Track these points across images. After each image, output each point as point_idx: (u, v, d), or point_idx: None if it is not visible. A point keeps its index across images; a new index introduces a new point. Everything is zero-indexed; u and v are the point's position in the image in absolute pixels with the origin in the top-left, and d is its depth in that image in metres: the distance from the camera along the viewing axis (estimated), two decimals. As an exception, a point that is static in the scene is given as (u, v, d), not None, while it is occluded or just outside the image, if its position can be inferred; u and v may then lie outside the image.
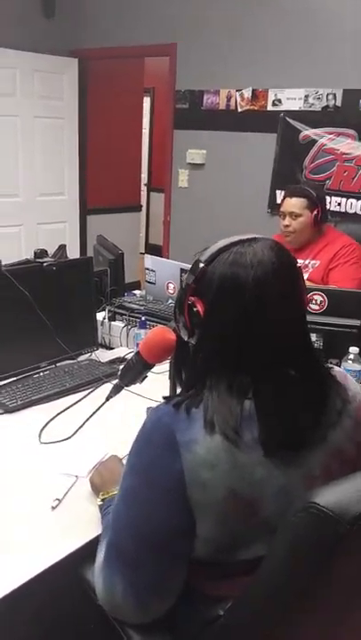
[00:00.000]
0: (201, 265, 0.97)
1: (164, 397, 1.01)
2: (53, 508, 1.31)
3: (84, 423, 1.54)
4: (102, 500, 1.24)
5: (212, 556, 0.96)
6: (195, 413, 0.93)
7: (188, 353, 1.02)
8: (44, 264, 1.93)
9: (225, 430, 0.90)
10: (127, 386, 1.39)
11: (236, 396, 0.93)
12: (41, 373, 1.97)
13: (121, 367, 2.00)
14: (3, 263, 1.87)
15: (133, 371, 1.34)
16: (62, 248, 2.40)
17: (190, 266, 1.00)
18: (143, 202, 7.01)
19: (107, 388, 1.85)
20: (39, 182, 4.82)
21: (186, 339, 1.01)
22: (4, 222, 4.64)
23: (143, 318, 2.25)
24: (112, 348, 2.37)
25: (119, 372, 1.41)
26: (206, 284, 0.96)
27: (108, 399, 1.43)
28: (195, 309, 0.97)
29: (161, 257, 3.08)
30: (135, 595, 0.97)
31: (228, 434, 0.90)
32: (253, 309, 0.93)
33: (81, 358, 2.13)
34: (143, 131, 6.23)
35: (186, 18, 4.28)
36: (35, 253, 1.99)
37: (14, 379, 1.91)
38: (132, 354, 1.37)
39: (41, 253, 1.99)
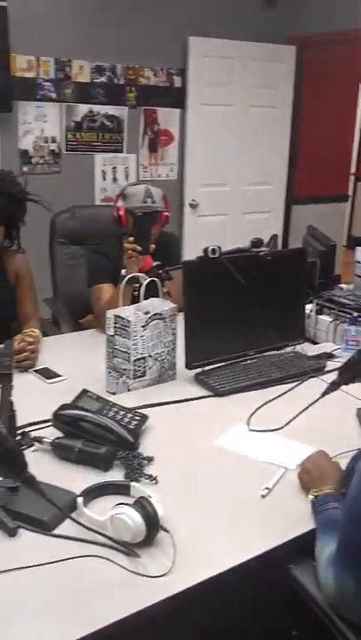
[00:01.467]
0: None
1: None
2: (263, 496, 1.33)
3: (296, 416, 1.53)
4: (315, 497, 1.23)
5: None
6: None
7: None
8: (260, 253, 1.95)
9: None
10: (346, 384, 1.36)
11: None
12: (248, 361, 2.00)
13: (328, 363, 1.99)
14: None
15: (355, 370, 1.30)
16: (274, 238, 2.40)
17: None
18: (350, 192, 6.74)
19: (313, 382, 1.84)
20: (247, 172, 4.88)
21: None
22: (212, 211, 4.79)
23: (355, 314, 2.17)
24: (317, 343, 2.33)
25: (339, 370, 1.38)
26: None
27: (323, 395, 1.41)
28: None
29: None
30: None
31: None
32: None
33: (285, 350, 2.12)
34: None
35: None
36: (252, 242, 2.01)
37: (222, 364, 1.97)
38: (354, 352, 1.33)
39: (258, 242, 2.01)
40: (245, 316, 1.96)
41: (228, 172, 4.81)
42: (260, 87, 4.74)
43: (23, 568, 1.09)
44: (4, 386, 1.22)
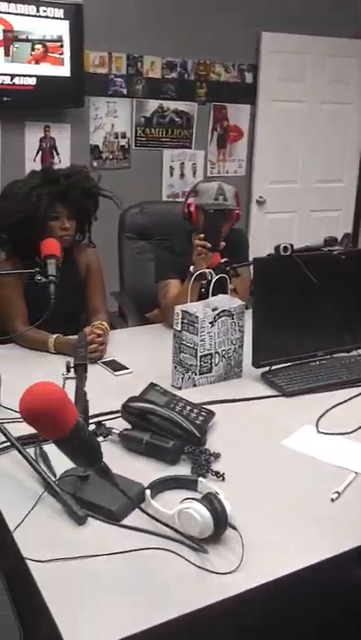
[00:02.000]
0: None
1: None
2: (333, 499, 1.30)
3: (369, 420, 1.49)
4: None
5: None
6: None
7: None
8: (334, 252, 1.91)
9: None
10: None
11: None
12: (317, 362, 1.96)
13: None
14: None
15: None
16: (347, 236, 2.34)
17: None
18: None
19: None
20: (318, 168, 4.80)
21: None
22: (280, 208, 4.73)
23: None
24: (388, 346, 2.26)
25: None
26: None
27: None
28: None
29: None
30: None
31: None
32: None
33: (357, 352, 2.06)
34: None
35: None
36: (325, 241, 1.97)
37: (290, 364, 1.94)
38: None
39: (331, 241, 1.96)
40: (316, 316, 1.93)
41: (297, 168, 4.74)
42: (332, 83, 4.64)
43: (90, 556, 1.11)
44: (79, 376, 1.25)
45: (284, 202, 4.75)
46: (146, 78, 4.15)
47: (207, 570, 1.09)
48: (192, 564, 1.10)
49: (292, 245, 1.85)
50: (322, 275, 1.89)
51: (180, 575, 1.08)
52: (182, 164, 4.40)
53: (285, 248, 1.84)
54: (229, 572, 1.08)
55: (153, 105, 4.21)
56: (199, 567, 1.09)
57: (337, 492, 1.31)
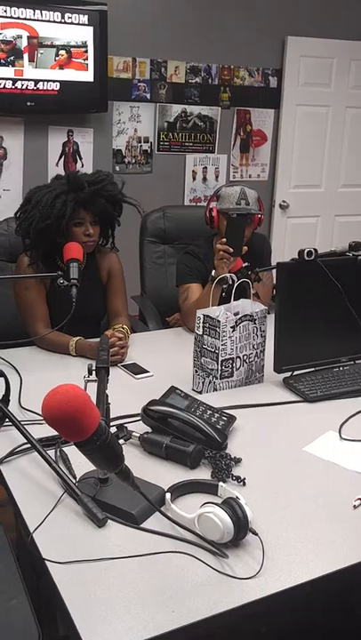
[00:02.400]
0: None
1: None
2: (355, 506, 1.28)
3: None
4: None
5: None
6: None
7: None
8: (359, 257, 1.88)
9: None
10: None
11: None
12: (341, 368, 1.94)
13: None
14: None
15: None
16: (372, 242, 2.31)
17: None
18: None
19: None
20: (342, 173, 4.76)
21: None
22: (303, 213, 4.70)
23: None
24: None
25: None
26: None
27: None
28: None
29: None
30: None
31: None
32: None
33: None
34: None
35: None
36: (350, 245, 1.95)
37: (313, 369, 1.92)
38: None
39: (356, 246, 1.94)
40: (339, 322, 1.91)
41: (322, 173, 4.71)
42: (357, 87, 4.60)
43: (110, 559, 1.11)
44: (101, 379, 1.25)
45: (308, 206, 4.72)
46: (169, 83, 4.16)
47: (227, 574, 1.08)
48: (212, 568, 1.09)
49: (316, 250, 1.83)
50: (346, 280, 1.87)
51: (199, 579, 1.08)
52: (205, 168, 4.41)
53: (310, 253, 1.82)
54: (250, 578, 1.07)
55: (176, 109, 4.22)
56: (219, 572, 1.08)
57: (359, 499, 1.29)
